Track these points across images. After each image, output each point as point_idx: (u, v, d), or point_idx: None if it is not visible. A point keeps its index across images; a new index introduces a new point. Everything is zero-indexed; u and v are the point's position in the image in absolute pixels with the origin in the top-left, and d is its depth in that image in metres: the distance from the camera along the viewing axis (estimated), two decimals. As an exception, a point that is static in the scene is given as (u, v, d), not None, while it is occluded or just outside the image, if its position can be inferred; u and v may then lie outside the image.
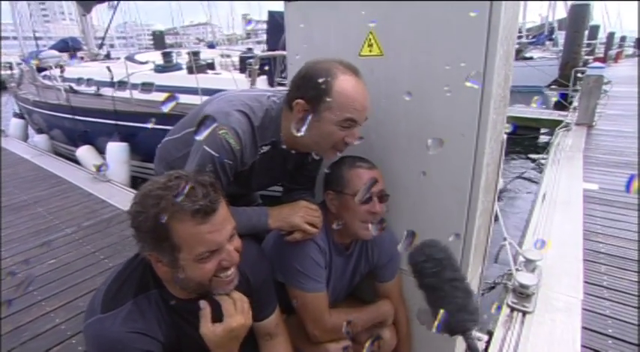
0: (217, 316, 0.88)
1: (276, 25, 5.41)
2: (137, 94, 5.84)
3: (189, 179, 0.80)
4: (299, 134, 0.98)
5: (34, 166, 5.09)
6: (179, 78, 5.67)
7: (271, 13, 5.52)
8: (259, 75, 5.12)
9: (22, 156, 5.57)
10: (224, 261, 0.83)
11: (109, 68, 5.98)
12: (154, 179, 0.82)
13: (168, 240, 0.77)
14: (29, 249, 2.92)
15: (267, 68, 5.00)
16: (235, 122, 1.00)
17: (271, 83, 4.94)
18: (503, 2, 0.97)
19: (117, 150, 5.44)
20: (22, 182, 4.46)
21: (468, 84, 1.02)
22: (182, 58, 7.15)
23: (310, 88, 0.97)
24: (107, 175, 4.56)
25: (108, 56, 10.29)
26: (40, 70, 8.26)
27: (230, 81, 4.92)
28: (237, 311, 0.89)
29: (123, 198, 3.84)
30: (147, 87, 6.14)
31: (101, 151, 5.94)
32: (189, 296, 0.90)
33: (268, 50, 5.61)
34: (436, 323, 0.71)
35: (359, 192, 1.10)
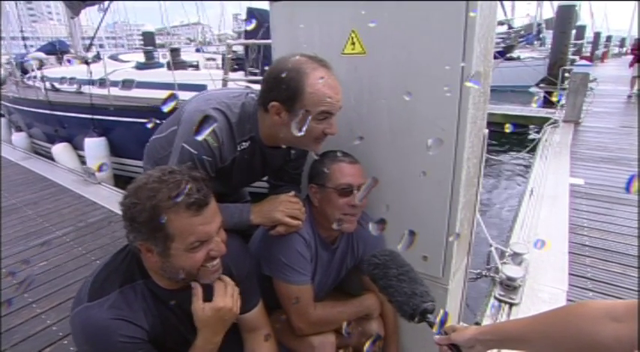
0: (208, 299, 0.93)
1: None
2: (118, 91, 5.92)
3: (183, 174, 0.84)
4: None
5: (24, 169, 5.03)
6: (159, 74, 5.75)
7: (250, 10, 5.61)
8: (236, 70, 5.18)
9: (10, 160, 5.51)
10: (212, 251, 0.88)
11: (87, 62, 6.05)
12: (147, 173, 0.85)
13: (163, 230, 0.80)
14: (19, 251, 2.90)
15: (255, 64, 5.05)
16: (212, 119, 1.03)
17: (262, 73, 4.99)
18: (479, 2, 1.01)
19: (94, 146, 5.45)
20: (11, 185, 4.41)
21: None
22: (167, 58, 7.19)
23: (283, 90, 0.99)
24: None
25: (98, 57, 10.19)
26: (25, 72, 8.23)
27: (206, 75, 4.98)
28: (227, 295, 0.94)
29: (114, 200, 3.82)
30: (128, 83, 6.23)
31: (78, 149, 5.96)
32: (175, 287, 0.93)
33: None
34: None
35: (340, 186, 1.13)
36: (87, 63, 6.19)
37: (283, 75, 0.98)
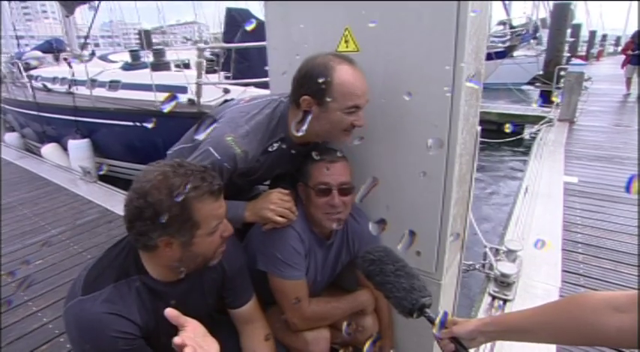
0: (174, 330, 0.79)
1: (232, 22, 5.47)
2: (105, 92, 6.02)
3: (194, 167, 0.88)
4: (299, 134, 1.07)
5: (19, 168, 5.01)
6: (143, 75, 5.77)
7: (229, 10, 5.60)
8: (221, 71, 5.19)
9: (5, 159, 5.48)
10: (224, 231, 0.94)
11: (69, 64, 6.14)
12: (154, 172, 0.84)
13: (191, 219, 0.85)
14: (15, 250, 2.90)
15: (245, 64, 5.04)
16: (243, 133, 1.10)
17: (234, 76, 5.01)
18: (474, 2, 1.03)
19: (77, 147, 5.52)
20: (5, 184, 4.39)
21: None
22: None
23: (313, 84, 1.05)
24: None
25: (93, 55, 10.15)
26: (26, 70, 8.26)
27: (185, 77, 4.97)
28: None
29: (110, 198, 3.82)
30: (114, 84, 6.29)
31: (66, 149, 6.01)
32: (172, 279, 0.95)
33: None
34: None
35: (318, 185, 1.15)
36: (69, 65, 6.29)
37: (312, 70, 1.05)
